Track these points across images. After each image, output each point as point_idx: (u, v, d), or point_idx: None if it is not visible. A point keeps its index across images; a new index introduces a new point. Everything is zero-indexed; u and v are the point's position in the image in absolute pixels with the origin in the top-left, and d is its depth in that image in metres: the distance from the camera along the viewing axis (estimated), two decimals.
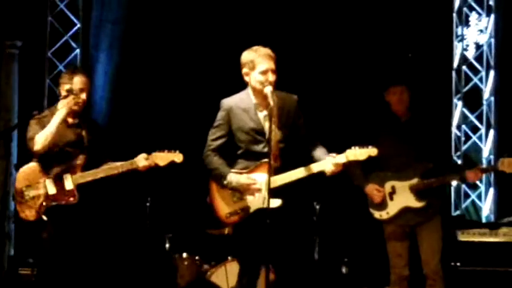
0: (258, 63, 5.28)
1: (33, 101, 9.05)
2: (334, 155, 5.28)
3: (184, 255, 7.54)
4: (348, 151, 5.29)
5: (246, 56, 5.34)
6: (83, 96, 5.96)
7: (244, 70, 5.35)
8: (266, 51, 5.33)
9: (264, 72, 5.26)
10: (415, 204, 6.02)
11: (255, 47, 5.36)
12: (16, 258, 8.55)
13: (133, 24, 9.37)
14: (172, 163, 5.88)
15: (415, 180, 6.01)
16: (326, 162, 5.27)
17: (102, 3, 9.57)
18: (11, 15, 8.93)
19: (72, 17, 9.60)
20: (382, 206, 6.13)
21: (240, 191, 5.32)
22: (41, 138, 5.81)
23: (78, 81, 5.94)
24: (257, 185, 5.26)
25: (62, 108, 5.81)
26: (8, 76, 8.95)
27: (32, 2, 9.23)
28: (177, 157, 5.88)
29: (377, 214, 6.16)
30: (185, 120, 8.78)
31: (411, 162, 6.05)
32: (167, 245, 7.75)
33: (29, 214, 5.88)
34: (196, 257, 7.54)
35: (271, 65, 5.28)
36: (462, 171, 6.03)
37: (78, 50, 9.59)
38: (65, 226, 5.86)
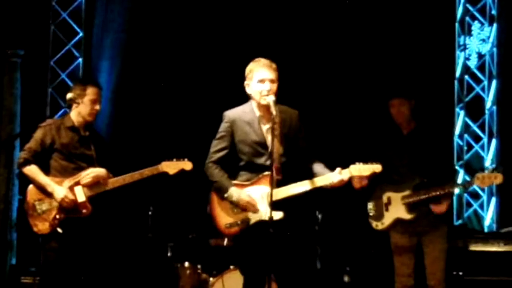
0: (255, 72, 5.29)
1: (36, 109, 9.07)
2: (339, 169, 5.28)
3: (186, 264, 7.53)
4: (352, 166, 5.30)
5: (247, 67, 5.35)
6: (97, 106, 5.97)
7: (246, 82, 5.36)
8: (265, 61, 5.33)
9: (261, 81, 5.26)
10: (406, 216, 6.02)
11: (256, 59, 5.36)
12: (18, 266, 8.54)
13: (136, 33, 9.39)
14: (181, 171, 5.87)
15: (406, 192, 6.02)
16: (330, 176, 5.26)
17: (105, 12, 9.59)
18: (14, 24, 8.94)
19: (75, 26, 9.62)
20: (379, 216, 6.14)
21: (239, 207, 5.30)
22: (25, 169, 5.85)
23: (91, 91, 5.94)
24: (256, 205, 5.25)
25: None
26: (10, 85, 8.95)
27: (34, 10, 9.25)
28: (187, 165, 5.88)
29: (374, 224, 6.20)
30: (187, 129, 8.78)
31: (410, 174, 6.05)
32: (169, 254, 7.75)
33: (42, 228, 5.84)
34: (198, 266, 7.54)
35: (268, 74, 5.27)
36: (447, 185, 5.98)
37: (80, 59, 9.61)
38: (75, 238, 5.85)
